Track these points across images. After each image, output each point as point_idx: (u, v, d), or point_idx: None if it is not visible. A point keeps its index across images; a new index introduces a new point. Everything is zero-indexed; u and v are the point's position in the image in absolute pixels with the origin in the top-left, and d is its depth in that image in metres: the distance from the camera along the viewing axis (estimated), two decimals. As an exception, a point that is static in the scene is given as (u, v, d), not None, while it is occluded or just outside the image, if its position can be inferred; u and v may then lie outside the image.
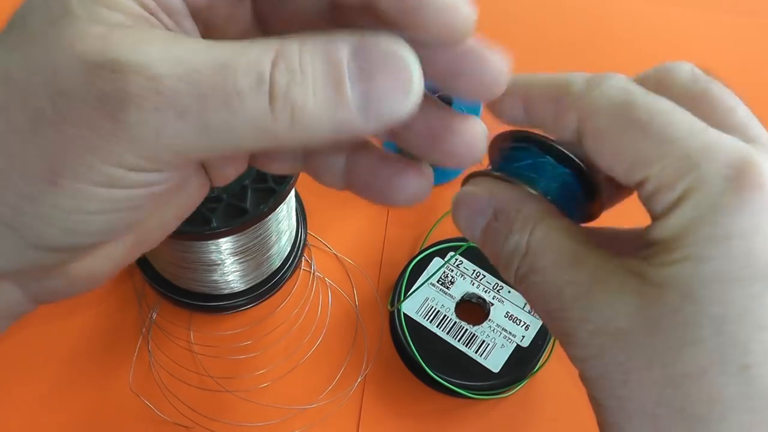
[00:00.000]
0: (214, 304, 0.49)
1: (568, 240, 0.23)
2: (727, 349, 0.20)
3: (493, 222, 0.24)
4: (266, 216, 0.41)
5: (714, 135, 0.21)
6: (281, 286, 0.50)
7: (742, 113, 0.24)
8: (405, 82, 0.19)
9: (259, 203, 0.40)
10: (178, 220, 0.26)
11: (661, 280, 0.20)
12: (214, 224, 0.39)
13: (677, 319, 0.20)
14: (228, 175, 0.26)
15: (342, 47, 0.19)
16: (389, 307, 0.50)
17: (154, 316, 0.50)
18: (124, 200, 0.21)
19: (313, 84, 0.19)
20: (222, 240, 0.42)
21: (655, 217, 0.21)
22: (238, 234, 0.41)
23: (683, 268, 0.20)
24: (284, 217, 0.46)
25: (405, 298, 0.49)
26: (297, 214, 0.51)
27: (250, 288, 0.49)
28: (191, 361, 0.49)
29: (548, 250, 0.22)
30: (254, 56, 0.19)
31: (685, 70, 0.24)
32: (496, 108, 0.26)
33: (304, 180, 0.44)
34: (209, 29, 0.23)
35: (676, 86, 0.24)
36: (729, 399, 0.20)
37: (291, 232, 0.49)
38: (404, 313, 0.49)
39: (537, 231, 0.23)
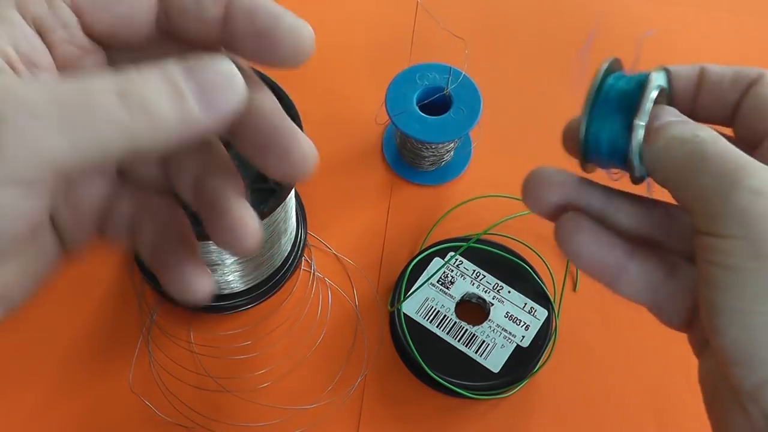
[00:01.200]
0: (214, 304, 0.49)
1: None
2: None
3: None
4: (266, 216, 0.41)
5: None
6: (281, 286, 0.50)
7: None
8: (231, 82, 0.23)
9: (259, 203, 0.40)
10: (35, 281, 0.26)
11: None
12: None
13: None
14: (82, 232, 0.27)
15: (176, 71, 0.23)
16: (389, 308, 0.50)
17: (154, 316, 0.50)
18: None
19: (157, 90, 0.22)
20: (222, 240, 0.42)
21: None
22: (238, 234, 0.41)
23: None
24: (284, 217, 0.46)
25: (405, 298, 0.49)
26: (297, 214, 0.51)
27: (250, 288, 0.49)
28: (191, 361, 0.49)
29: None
30: (106, 77, 0.22)
31: None
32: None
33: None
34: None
35: None
36: None
37: (291, 232, 0.49)
38: (404, 313, 0.49)
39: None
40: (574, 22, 0.63)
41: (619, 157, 0.29)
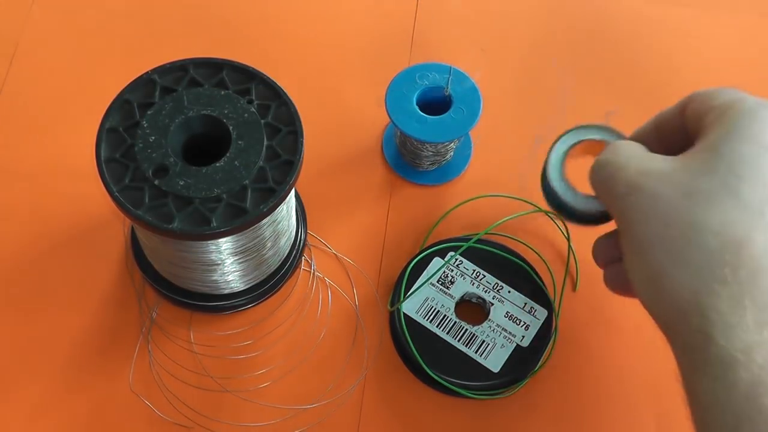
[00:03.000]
0: (214, 304, 0.49)
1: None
2: (729, 178, 0.34)
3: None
4: (266, 216, 0.40)
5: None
6: (281, 286, 0.50)
7: None
8: None
9: (259, 203, 0.40)
10: None
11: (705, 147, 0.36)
12: (214, 224, 0.39)
13: (700, 158, 0.35)
14: None
15: None
16: (389, 308, 0.50)
17: (154, 316, 0.50)
18: None
19: None
20: (222, 240, 0.42)
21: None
22: (238, 234, 0.41)
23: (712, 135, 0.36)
24: (284, 217, 0.46)
25: (405, 298, 0.49)
26: (297, 214, 0.51)
27: (250, 288, 0.49)
28: (191, 361, 0.49)
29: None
30: None
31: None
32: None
33: (304, 180, 0.44)
34: None
35: None
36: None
37: (291, 232, 0.49)
38: (404, 313, 0.49)
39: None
40: (575, 22, 0.63)
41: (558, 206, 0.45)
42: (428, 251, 0.51)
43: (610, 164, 0.38)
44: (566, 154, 0.47)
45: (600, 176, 0.39)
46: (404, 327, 0.48)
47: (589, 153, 0.51)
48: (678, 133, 0.40)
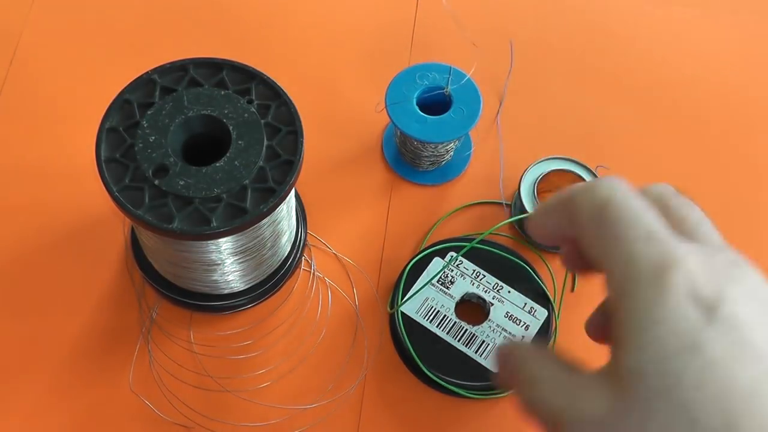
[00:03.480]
0: (214, 304, 0.49)
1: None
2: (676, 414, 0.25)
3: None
4: (266, 216, 0.40)
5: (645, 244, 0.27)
6: (281, 286, 0.50)
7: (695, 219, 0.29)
8: None
9: (259, 203, 0.40)
10: None
11: (622, 371, 0.26)
12: (214, 224, 0.39)
13: (638, 397, 0.25)
14: None
15: None
16: (389, 309, 0.50)
17: (154, 316, 0.50)
18: None
19: None
20: (222, 240, 0.42)
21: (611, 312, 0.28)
22: (238, 234, 0.41)
23: (632, 358, 0.26)
24: (284, 217, 0.46)
25: (404, 301, 0.49)
26: (297, 214, 0.51)
27: (250, 288, 0.49)
28: (191, 361, 0.49)
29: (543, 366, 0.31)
30: None
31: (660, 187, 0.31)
32: (537, 232, 0.32)
33: (304, 180, 0.44)
34: None
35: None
36: None
37: (291, 232, 0.49)
38: (404, 313, 0.49)
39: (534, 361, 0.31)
40: (575, 23, 0.63)
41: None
42: (428, 251, 0.51)
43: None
44: (536, 183, 0.51)
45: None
46: (404, 327, 0.48)
47: (556, 185, 0.52)
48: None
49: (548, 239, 0.32)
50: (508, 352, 0.32)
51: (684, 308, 0.25)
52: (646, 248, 0.26)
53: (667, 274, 0.26)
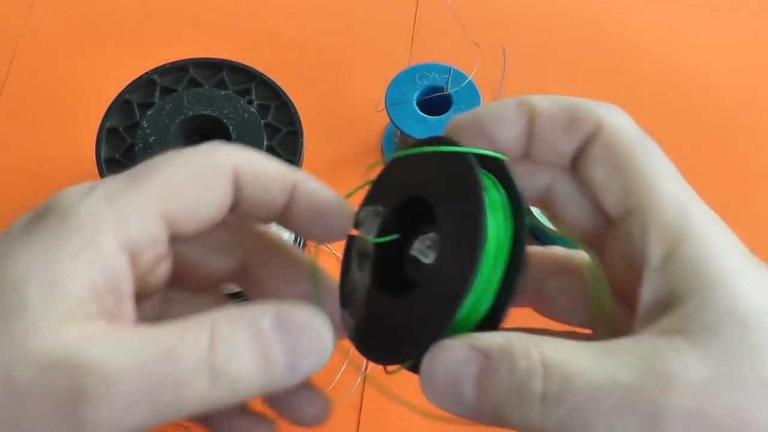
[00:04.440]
0: (214, 304, 0.49)
1: (569, 341, 0.22)
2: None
3: (487, 362, 0.22)
4: (266, 216, 0.40)
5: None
6: (281, 286, 0.50)
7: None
8: (320, 348, 0.24)
9: (259, 203, 0.40)
10: None
11: (704, 325, 0.21)
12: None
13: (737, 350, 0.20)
14: None
15: (265, 321, 0.23)
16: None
17: (154, 316, 0.50)
18: None
19: (246, 358, 0.22)
20: (222, 240, 0.42)
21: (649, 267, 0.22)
22: (238, 234, 0.41)
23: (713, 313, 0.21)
24: (284, 217, 0.46)
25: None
26: (297, 214, 0.51)
27: (250, 288, 0.49)
28: (191, 361, 0.49)
29: (573, 354, 0.21)
30: (193, 340, 0.21)
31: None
32: (494, 128, 0.26)
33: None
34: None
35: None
36: None
37: (291, 233, 0.49)
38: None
39: (545, 344, 0.21)
40: (575, 23, 0.63)
41: None
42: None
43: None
44: None
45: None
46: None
47: None
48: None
49: (510, 143, 0.26)
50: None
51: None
52: (679, 187, 0.24)
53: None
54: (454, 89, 0.52)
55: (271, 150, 0.41)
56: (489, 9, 0.63)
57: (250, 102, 0.43)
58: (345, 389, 0.48)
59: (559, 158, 0.25)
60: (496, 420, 0.22)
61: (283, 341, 0.23)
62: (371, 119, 0.57)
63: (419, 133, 0.51)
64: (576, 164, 0.25)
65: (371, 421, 0.48)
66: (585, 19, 0.63)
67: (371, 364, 0.49)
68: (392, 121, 0.51)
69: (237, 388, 0.22)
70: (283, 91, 0.43)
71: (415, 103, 0.52)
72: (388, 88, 0.52)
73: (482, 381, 0.22)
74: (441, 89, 0.52)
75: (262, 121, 0.42)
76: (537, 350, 0.21)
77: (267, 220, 0.27)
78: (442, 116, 0.51)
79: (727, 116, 0.59)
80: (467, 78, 0.52)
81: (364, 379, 0.49)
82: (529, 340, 0.22)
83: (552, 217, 0.27)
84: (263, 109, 0.43)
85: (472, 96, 0.52)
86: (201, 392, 0.21)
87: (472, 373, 0.22)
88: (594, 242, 0.26)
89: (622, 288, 0.24)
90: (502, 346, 0.22)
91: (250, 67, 0.44)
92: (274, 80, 0.44)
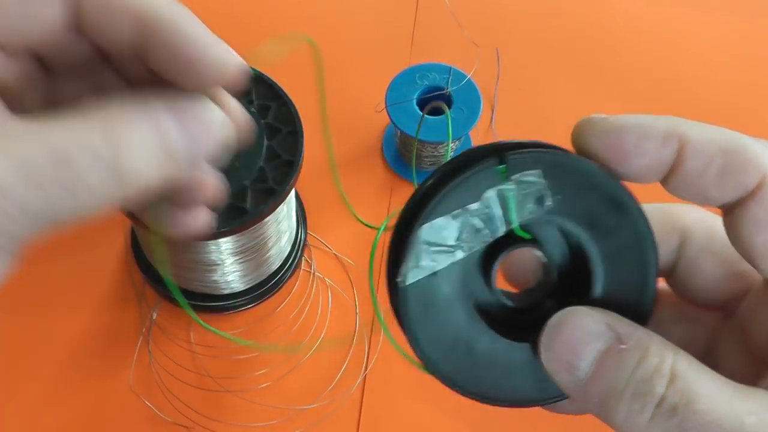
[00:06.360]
0: (214, 304, 0.49)
1: (706, 368, 0.21)
2: None
3: (617, 345, 0.21)
4: (266, 216, 0.40)
5: None
6: (281, 287, 0.50)
7: None
8: (216, 137, 0.23)
9: (259, 203, 0.40)
10: None
11: None
12: (214, 224, 0.39)
13: None
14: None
15: (166, 118, 0.21)
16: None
17: (154, 316, 0.50)
18: None
19: (146, 151, 0.21)
20: (222, 240, 0.42)
21: None
22: (238, 234, 0.41)
23: None
24: (284, 217, 0.46)
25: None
26: (297, 214, 0.51)
27: (250, 288, 0.49)
28: (191, 361, 0.49)
29: (705, 377, 0.20)
30: (87, 137, 0.20)
31: None
32: (632, 152, 0.21)
33: (304, 180, 0.44)
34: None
35: None
36: None
37: (291, 232, 0.49)
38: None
39: (681, 356, 0.20)
40: (575, 23, 0.63)
41: None
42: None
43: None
44: None
45: None
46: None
47: None
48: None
49: (653, 169, 0.22)
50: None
51: None
52: None
53: None
54: (454, 88, 0.52)
55: (271, 150, 0.41)
56: (487, 9, 0.63)
57: (250, 102, 0.43)
58: (345, 389, 0.48)
59: (701, 203, 0.22)
60: (597, 407, 0.21)
61: (183, 131, 0.22)
62: (371, 119, 0.57)
63: (419, 133, 0.51)
64: (725, 217, 0.22)
65: (371, 421, 0.48)
66: (584, 19, 0.63)
67: (370, 365, 0.49)
68: (392, 121, 0.51)
69: (136, 183, 0.21)
70: (283, 91, 0.43)
71: (415, 103, 0.52)
72: (388, 88, 0.52)
73: (605, 360, 0.21)
74: (441, 89, 0.52)
75: (262, 121, 0.42)
76: (673, 357, 0.20)
77: (118, 52, 0.24)
78: (442, 116, 0.51)
79: (727, 116, 0.59)
80: (466, 77, 0.52)
81: (364, 379, 0.49)
82: (670, 345, 0.21)
83: (672, 282, 0.25)
84: (263, 109, 0.43)
85: (472, 96, 0.52)
86: (101, 191, 0.20)
87: (598, 348, 0.21)
88: (727, 303, 0.24)
89: (760, 347, 0.23)
90: (641, 337, 0.21)
91: (249, 67, 0.44)
92: (274, 80, 0.44)
